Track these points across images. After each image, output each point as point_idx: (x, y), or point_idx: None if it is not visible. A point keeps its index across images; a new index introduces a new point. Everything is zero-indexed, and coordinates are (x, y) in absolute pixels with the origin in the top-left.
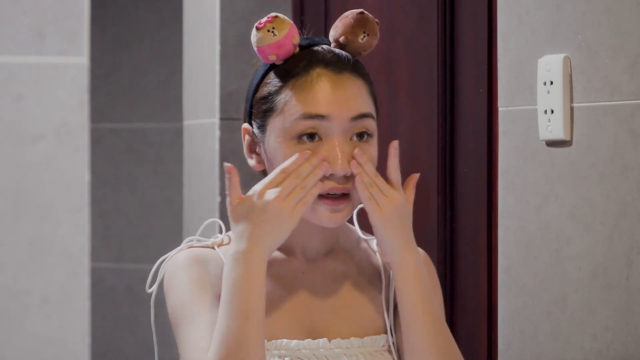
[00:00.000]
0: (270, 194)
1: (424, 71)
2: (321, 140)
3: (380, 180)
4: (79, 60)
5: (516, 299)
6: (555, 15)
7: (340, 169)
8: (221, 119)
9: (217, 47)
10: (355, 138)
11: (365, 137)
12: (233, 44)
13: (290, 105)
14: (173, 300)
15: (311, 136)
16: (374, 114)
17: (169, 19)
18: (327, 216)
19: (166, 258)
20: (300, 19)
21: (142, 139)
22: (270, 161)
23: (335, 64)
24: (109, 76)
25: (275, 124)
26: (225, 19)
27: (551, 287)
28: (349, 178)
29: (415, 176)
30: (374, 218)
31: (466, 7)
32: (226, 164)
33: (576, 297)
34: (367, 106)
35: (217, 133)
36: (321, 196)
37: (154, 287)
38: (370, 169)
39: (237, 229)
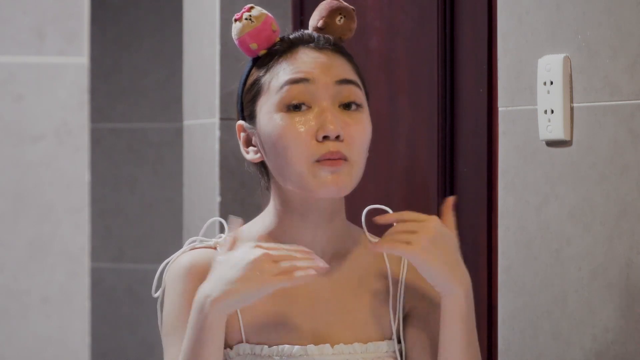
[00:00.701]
0: (260, 251)
1: (424, 71)
2: (310, 107)
3: (400, 224)
4: (79, 60)
5: (516, 299)
6: (555, 15)
7: (332, 129)
8: (221, 119)
9: (217, 47)
10: (343, 107)
11: (354, 106)
12: (233, 44)
13: (274, 79)
14: (165, 310)
15: (299, 106)
16: (361, 86)
17: (169, 19)
18: (328, 180)
19: (169, 261)
20: (300, 19)
21: (142, 139)
22: (265, 143)
23: (316, 42)
24: (109, 76)
25: (263, 102)
26: (225, 19)
27: (551, 287)
28: (342, 141)
29: (450, 200)
30: (408, 256)
31: (466, 7)
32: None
33: (576, 297)
34: (352, 75)
35: (217, 133)
36: (318, 161)
37: (160, 292)
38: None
39: (218, 270)
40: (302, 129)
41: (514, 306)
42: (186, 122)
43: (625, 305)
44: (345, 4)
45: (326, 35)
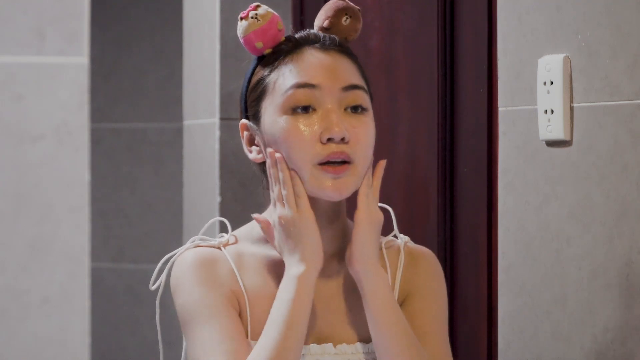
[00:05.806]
0: (276, 215)
1: (424, 71)
2: (315, 110)
3: (375, 192)
4: (79, 60)
5: (516, 299)
6: (555, 15)
7: (337, 132)
8: (221, 119)
9: (217, 47)
10: (349, 110)
11: (360, 110)
12: (233, 44)
13: (280, 80)
14: (182, 299)
15: (305, 108)
16: (367, 89)
17: (169, 19)
18: (330, 185)
19: (172, 256)
20: (300, 19)
21: (142, 139)
22: (269, 144)
23: (322, 43)
24: (109, 76)
25: (268, 104)
26: (225, 19)
27: (551, 287)
28: (347, 143)
29: (382, 163)
30: (360, 216)
31: (466, 7)
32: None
33: (576, 297)
34: (358, 79)
35: (217, 133)
36: (322, 165)
37: (158, 285)
38: (372, 181)
39: (284, 253)
40: (306, 131)
41: (514, 306)
42: (186, 122)
43: (625, 305)
44: (351, 4)
45: (332, 36)
